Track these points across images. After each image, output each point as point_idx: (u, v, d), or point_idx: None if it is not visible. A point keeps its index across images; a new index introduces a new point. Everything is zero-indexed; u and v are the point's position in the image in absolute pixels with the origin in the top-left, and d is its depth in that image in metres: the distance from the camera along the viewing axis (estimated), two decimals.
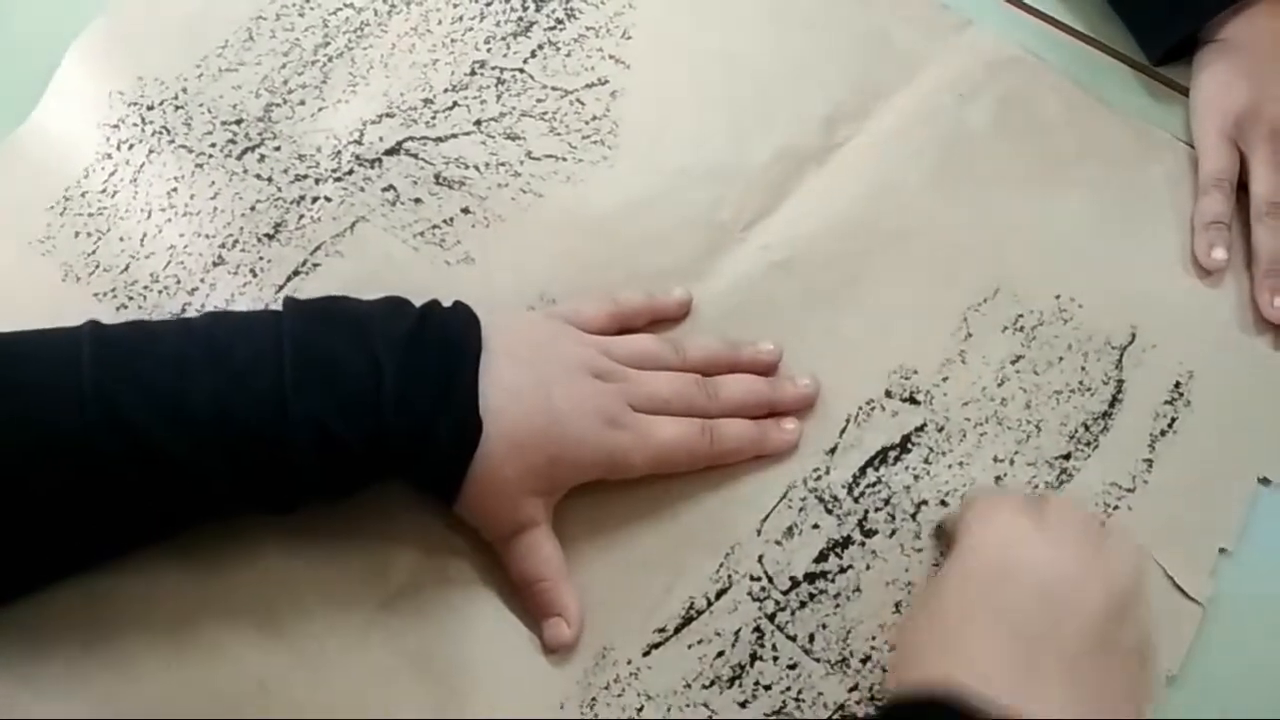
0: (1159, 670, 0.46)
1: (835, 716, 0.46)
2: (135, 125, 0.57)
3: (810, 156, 0.58)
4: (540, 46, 0.61)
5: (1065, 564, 0.43)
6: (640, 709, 0.46)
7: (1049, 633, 0.41)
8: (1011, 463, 0.51)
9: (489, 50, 0.60)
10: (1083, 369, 0.53)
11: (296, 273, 0.54)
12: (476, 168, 0.57)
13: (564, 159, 0.58)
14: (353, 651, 0.46)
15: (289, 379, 0.43)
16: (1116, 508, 0.50)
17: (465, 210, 0.56)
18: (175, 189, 0.56)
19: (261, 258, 0.54)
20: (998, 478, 0.51)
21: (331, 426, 0.43)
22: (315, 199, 0.56)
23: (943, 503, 0.50)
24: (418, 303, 0.48)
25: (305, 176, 0.57)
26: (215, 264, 0.54)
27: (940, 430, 0.52)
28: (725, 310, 0.54)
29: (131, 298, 0.53)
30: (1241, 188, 0.56)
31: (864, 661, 0.47)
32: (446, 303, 0.48)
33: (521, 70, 0.60)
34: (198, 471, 0.43)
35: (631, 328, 0.53)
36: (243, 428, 0.43)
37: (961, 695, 0.39)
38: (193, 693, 0.45)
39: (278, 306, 0.46)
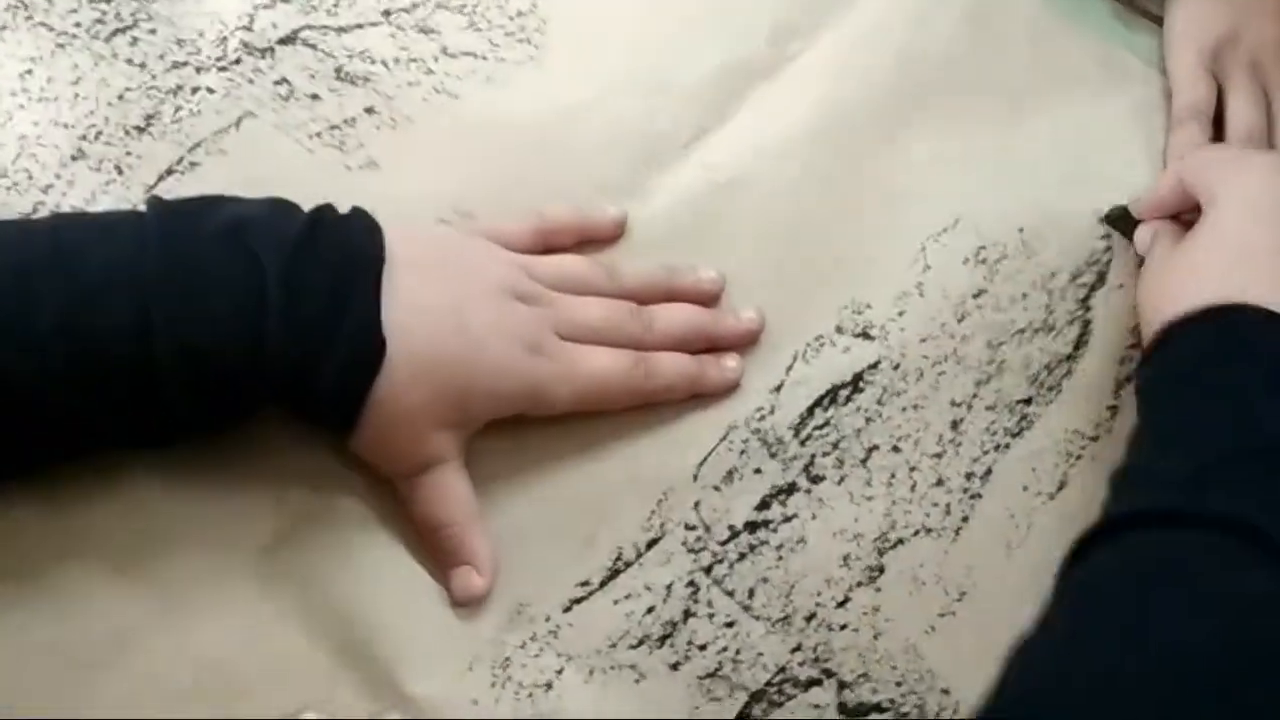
0: None
1: (776, 679, 0.42)
2: None
3: (759, 70, 0.53)
4: None
5: None
6: (560, 671, 0.41)
7: None
8: (969, 407, 0.47)
9: None
10: (1047, 308, 0.49)
11: (170, 171, 0.47)
12: (384, 63, 0.50)
13: (484, 58, 0.51)
14: (227, 601, 0.40)
15: (151, 290, 0.37)
16: (1079, 457, 0.46)
17: (369, 110, 0.49)
18: (30, 70, 0.48)
19: (129, 153, 0.47)
20: (954, 422, 0.46)
21: (202, 345, 0.37)
22: (195, 90, 0.49)
23: (895, 448, 0.46)
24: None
25: (184, 64, 0.49)
26: (74, 158, 0.47)
27: (896, 368, 0.47)
28: (663, 232, 0.49)
29: None
30: (1217, 121, 0.53)
31: (808, 619, 0.43)
32: (343, 210, 0.42)
33: None
34: (46, 402, 0.36)
35: (558, 247, 0.47)
36: (98, 349, 0.36)
37: (1259, 303, 0.41)
38: (33, 646, 0.38)
39: (143, 208, 0.39)
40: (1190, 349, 0.43)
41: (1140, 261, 0.49)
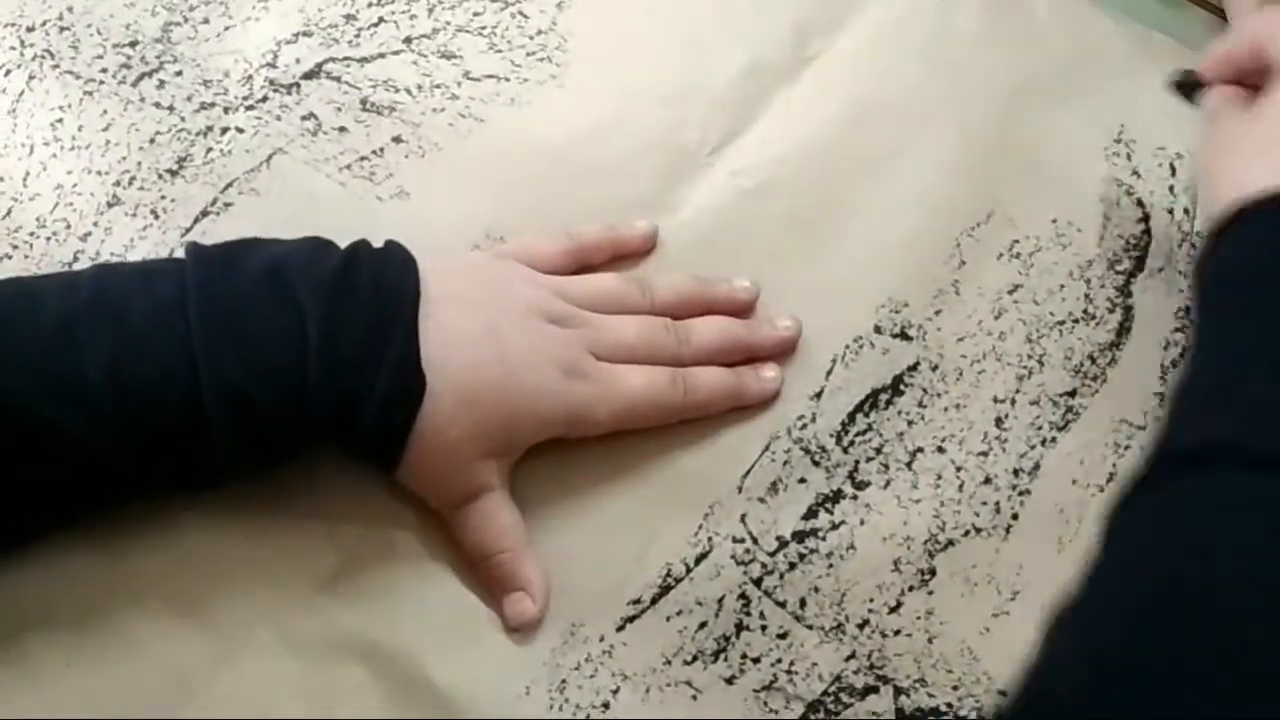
0: None
1: (832, 688, 0.42)
2: (13, 49, 0.50)
3: (781, 72, 0.52)
4: None
5: None
6: (616, 690, 0.41)
7: None
8: (1013, 403, 0.46)
9: None
10: (1086, 297, 0.48)
11: (205, 213, 0.47)
12: (408, 91, 0.51)
13: (507, 79, 0.51)
14: (287, 639, 0.40)
15: (197, 336, 0.37)
16: (1128, 447, 0.46)
17: (397, 139, 0.50)
18: (61, 120, 0.49)
19: (164, 197, 0.48)
20: (998, 419, 0.46)
21: (248, 390, 0.37)
22: (225, 130, 0.49)
23: (940, 449, 0.45)
24: (344, 245, 0.42)
25: (212, 105, 0.50)
26: (110, 204, 0.47)
27: (934, 369, 0.47)
28: (694, 243, 0.48)
29: (16, 246, 0.46)
30: None
31: (861, 626, 0.43)
32: (377, 244, 0.42)
33: None
34: (98, 452, 0.37)
35: (590, 266, 0.47)
36: (146, 398, 0.37)
37: None
38: (99, 692, 0.39)
39: (181, 254, 0.40)
40: (1262, 241, 0.39)
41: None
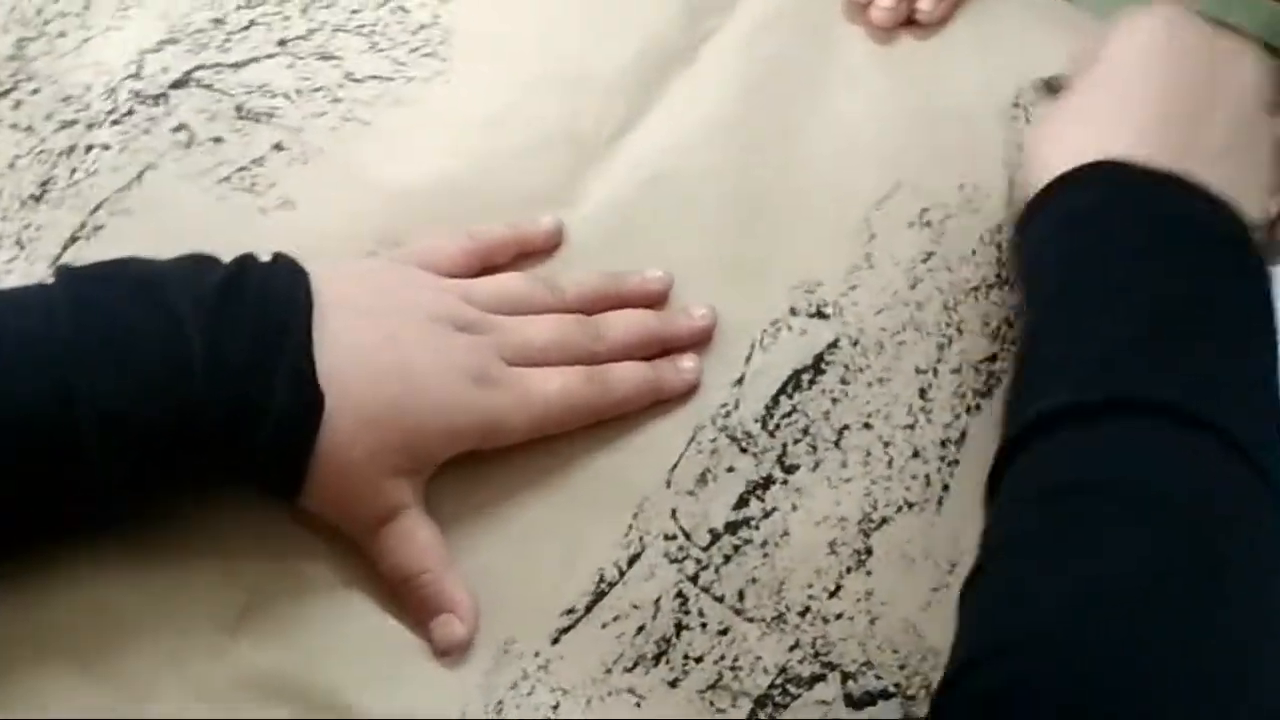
0: None
1: (779, 680, 0.40)
2: None
3: (676, 53, 0.51)
4: None
5: (1214, 51, 0.43)
6: (555, 706, 0.39)
7: (1203, 116, 0.41)
8: (935, 372, 0.46)
9: None
10: (998, 261, 0.48)
11: (74, 239, 0.44)
12: (286, 95, 0.48)
13: (391, 79, 0.49)
14: (194, 687, 0.38)
15: (68, 360, 0.35)
16: None
17: (277, 146, 0.47)
18: None
19: (28, 225, 0.44)
20: (922, 390, 0.45)
21: (125, 411, 0.35)
22: (89, 148, 0.46)
23: (866, 425, 0.45)
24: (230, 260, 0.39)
25: (74, 122, 0.47)
26: None
27: (855, 344, 0.46)
28: (600, 237, 0.47)
29: None
30: None
31: (802, 614, 0.41)
32: (264, 258, 0.40)
33: None
34: None
35: (495, 266, 0.45)
36: (16, 428, 0.34)
37: (1127, 160, 0.40)
38: None
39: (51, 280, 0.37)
40: (1074, 208, 0.41)
41: None
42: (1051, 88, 0.49)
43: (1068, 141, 0.42)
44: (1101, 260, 0.39)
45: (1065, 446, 0.36)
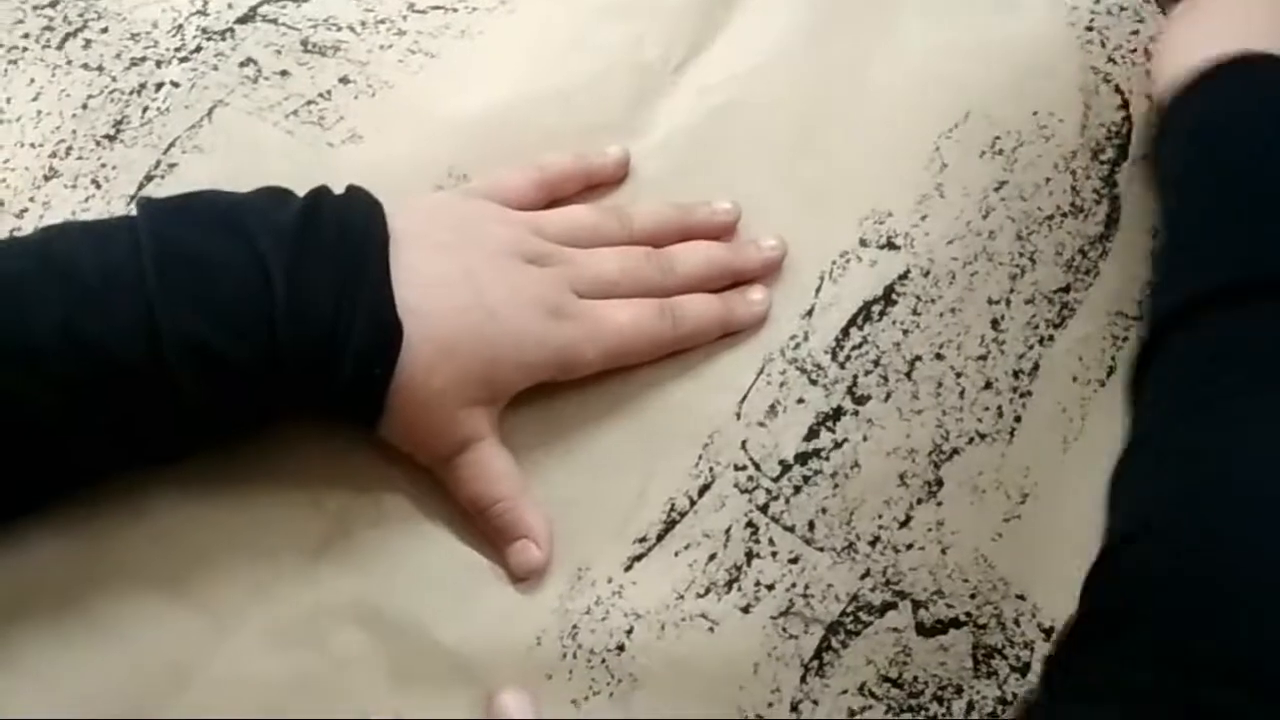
0: None
1: (850, 608, 0.41)
2: None
3: None
4: None
5: None
6: (630, 630, 0.40)
7: None
8: (1008, 303, 0.45)
9: None
10: (1073, 189, 0.47)
11: (149, 178, 0.45)
12: (351, 28, 0.48)
13: (454, 9, 0.49)
14: (281, 614, 0.39)
15: (154, 289, 0.35)
16: (1125, 339, 0.45)
17: (344, 80, 0.47)
18: None
19: (104, 164, 0.45)
20: (994, 321, 0.45)
21: (214, 344, 0.35)
22: (160, 85, 0.46)
23: (938, 356, 0.44)
24: (301, 193, 0.39)
25: (144, 60, 0.47)
26: (47, 177, 0.45)
27: (926, 275, 0.45)
28: (667, 167, 0.47)
29: None
30: None
31: (872, 544, 0.42)
32: (337, 191, 0.40)
33: None
34: (55, 418, 0.35)
35: (563, 198, 0.45)
36: (103, 357, 0.35)
37: (1266, 53, 0.39)
38: (93, 684, 0.37)
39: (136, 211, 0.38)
40: (1214, 108, 0.41)
41: None
42: None
43: (1201, 41, 0.42)
44: (1250, 155, 0.39)
45: (1214, 328, 0.36)
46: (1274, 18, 0.42)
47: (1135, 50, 0.49)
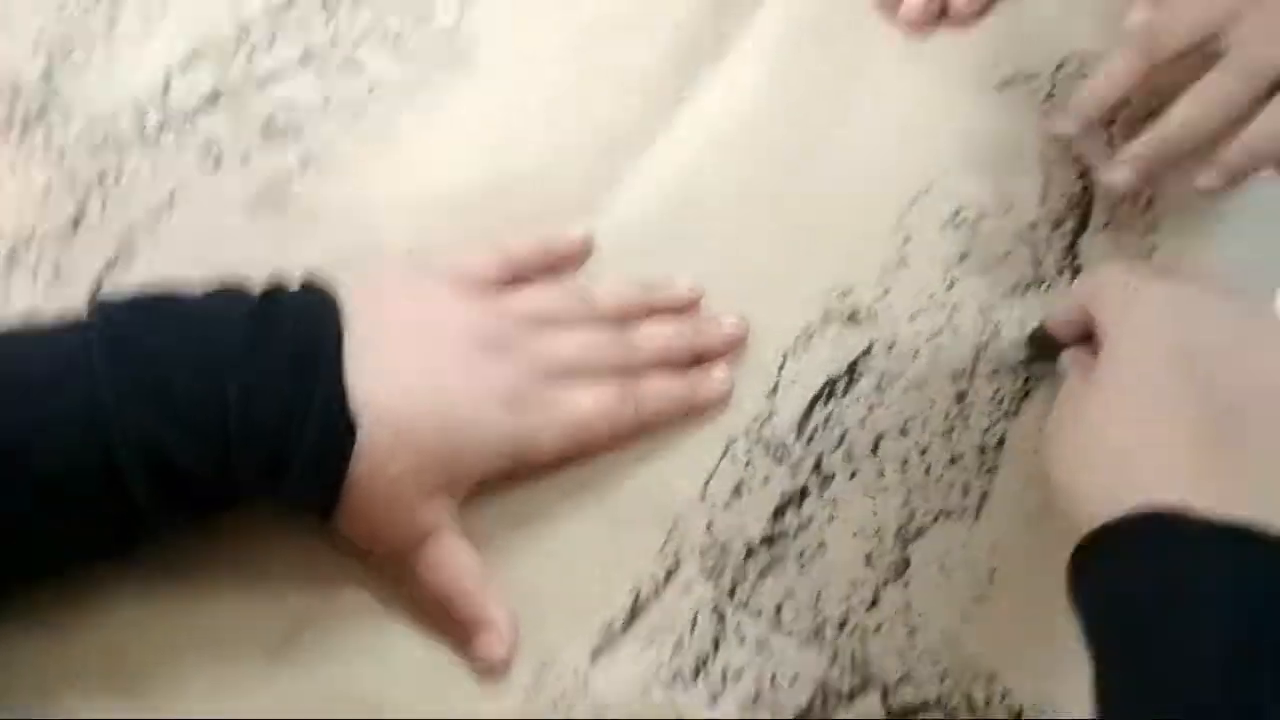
0: None
1: (819, 695, 0.40)
2: None
3: (702, 58, 0.50)
4: None
5: (1245, 324, 0.37)
6: None
7: (1256, 406, 0.35)
8: (972, 377, 0.45)
9: None
10: (1035, 260, 0.47)
11: (110, 266, 0.45)
12: (311, 109, 0.48)
13: (416, 91, 0.49)
14: (246, 711, 0.38)
15: (106, 392, 0.35)
16: None
17: (305, 163, 0.47)
18: None
19: (64, 253, 0.45)
20: (959, 395, 0.45)
21: (165, 445, 0.35)
22: (120, 172, 0.46)
23: (903, 432, 0.44)
24: (259, 281, 0.39)
25: (104, 147, 0.47)
26: (8, 267, 0.44)
27: (890, 349, 0.45)
28: (629, 246, 0.46)
29: None
30: None
31: (840, 627, 0.41)
32: (295, 275, 0.40)
33: None
34: (6, 519, 0.35)
35: (525, 279, 0.45)
36: (53, 463, 0.35)
37: (1178, 510, 0.33)
38: None
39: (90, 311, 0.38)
40: (1128, 582, 0.34)
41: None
42: (1038, 343, 0.44)
43: (1098, 474, 0.36)
44: (1174, 647, 0.33)
45: None
46: (1167, 454, 0.35)
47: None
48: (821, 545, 0.42)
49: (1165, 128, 0.45)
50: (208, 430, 0.36)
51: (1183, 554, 0.33)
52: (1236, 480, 0.34)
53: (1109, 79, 0.46)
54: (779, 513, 0.43)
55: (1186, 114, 0.45)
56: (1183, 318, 0.37)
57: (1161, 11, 0.46)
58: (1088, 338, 0.40)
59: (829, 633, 0.41)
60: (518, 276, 0.45)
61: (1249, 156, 0.44)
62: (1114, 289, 0.39)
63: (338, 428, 0.37)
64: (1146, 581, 0.33)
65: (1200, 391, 0.36)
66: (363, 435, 0.37)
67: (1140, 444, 0.36)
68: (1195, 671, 0.32)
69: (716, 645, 0.41)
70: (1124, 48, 0.46)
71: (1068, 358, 0.42)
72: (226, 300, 0.38)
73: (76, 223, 0.45)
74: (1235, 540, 0.32)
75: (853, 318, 0.46)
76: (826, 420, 0.44)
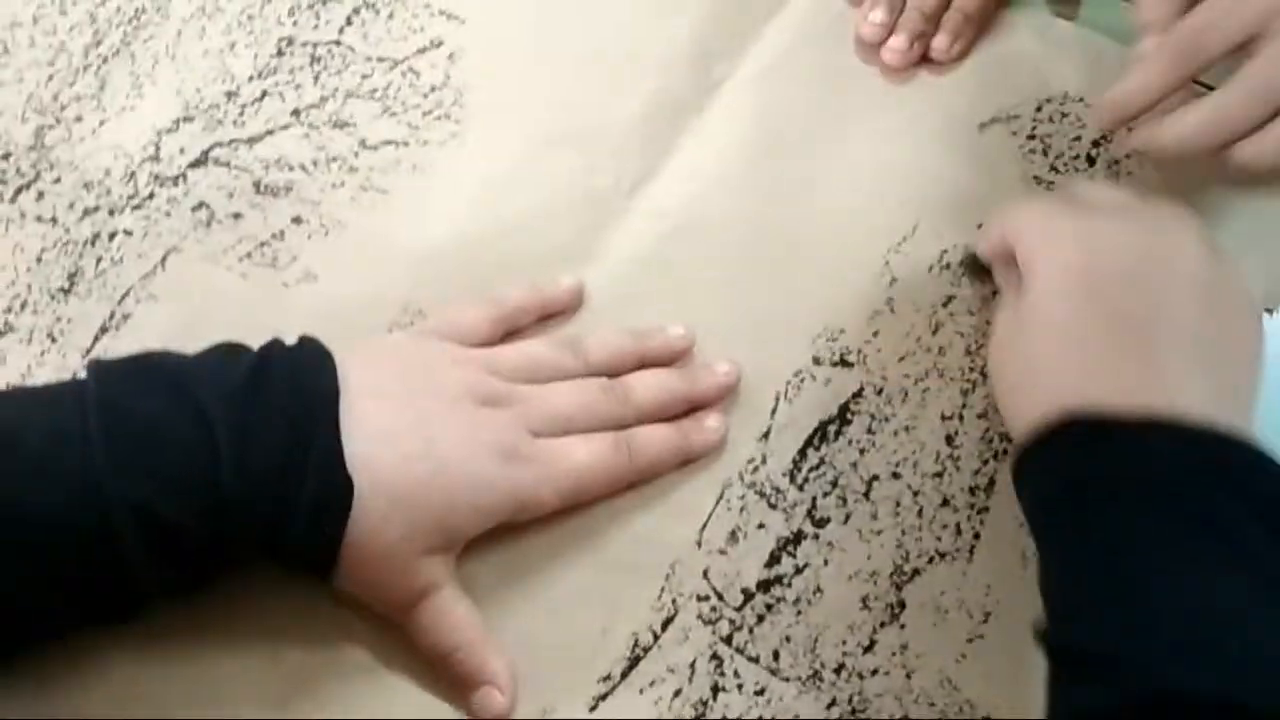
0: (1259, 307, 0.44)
1: None
2: None
3: (687, 103, 0.51)
4: (355, 11, 0.52)
5: (1147, 245, 0.41)
6: None
7: (1159, 316, 0.39)
8: (961, 418, 0.46)
9: (295, 23, 0.51)
10: None
11: (105, 329, 0.45)
12: (303, 167, 0.49)
13: (405, 143, 0.49)
14: None
15: (100, 458, 0.35)
16: None
17: (297, 220, 0.48)
18: None
19: (59, 318, 0.45)
20: (949, 437, 0.45)
21: (161, 511, 0.35)
22: (113, 235, 0.47)
23: (895, 474, 0.45)
24: (260, 343, 0.40)
25: (97, 209, 0.47)
26: (1, 333, 0.45)
27: (879, 392, 0.46)
28: (621, 293, 0.47)
29: None
30: None
31: (837, 671, 0.42)
32: (289, 335, 0.40)
33: (338, 43, 0.51)
34: (2, 586, 0.35)
35: (518, 330, 0.45)
36: (47, 527, 0.35)
37: (1097, 410, 0.37)
38: None
39: (83, 375, 0.38)
40: (1056, 483, 0.38)
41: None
42: (970, 267, 0.47)
43: (1030, 389, 0.40)
44: (1108, 540, 0.36)
45: None
46: (1088, 363, 0.39)
47: (1078, 157, 0.50)
48: (818, 589, 0.43)
49: (1213, 110, 0.45)
50: (202, 490, 0.36)
51: (1101, 446, 0.37)
52: (1147, 379, 0.38)
53: (1141, 87, 0.46)
54: (774, 558, 0.43)
55: (1228, 100, 0.44)
56: (1091, 246, 0.41)
57: (1198, 16, 0.45)
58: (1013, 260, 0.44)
59: (827, 676, 0.41)
60: (510, 328, 0.45)
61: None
62: (1030, 224, 0.43)
63: (335, 490, 0.37)
64: (1075, 472, 0.37)
65: (1110, 308, 0.39)
66: (359, 499, 0.37)
67: (1062, 359, 0.40)
68: (1122, 546, 0.35)
69: (715, 692, 0.41)
70: (1155, 53, 0.45)
71: (999, 276, 0.45)
72: (222, 359, 0.39)
73: (69, 289, 0.46)
74: (1147, 429, 0.37)
75: (843, 360, 0.46)
76: (819, 464, 0.45)
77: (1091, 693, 0.34)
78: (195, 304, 0.45)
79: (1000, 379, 0.43)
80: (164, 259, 0.46)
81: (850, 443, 0.45)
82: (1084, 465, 0.37)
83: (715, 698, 0.41)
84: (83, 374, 0.39)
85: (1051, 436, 0.38)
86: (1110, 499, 0.36)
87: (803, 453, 0.45)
